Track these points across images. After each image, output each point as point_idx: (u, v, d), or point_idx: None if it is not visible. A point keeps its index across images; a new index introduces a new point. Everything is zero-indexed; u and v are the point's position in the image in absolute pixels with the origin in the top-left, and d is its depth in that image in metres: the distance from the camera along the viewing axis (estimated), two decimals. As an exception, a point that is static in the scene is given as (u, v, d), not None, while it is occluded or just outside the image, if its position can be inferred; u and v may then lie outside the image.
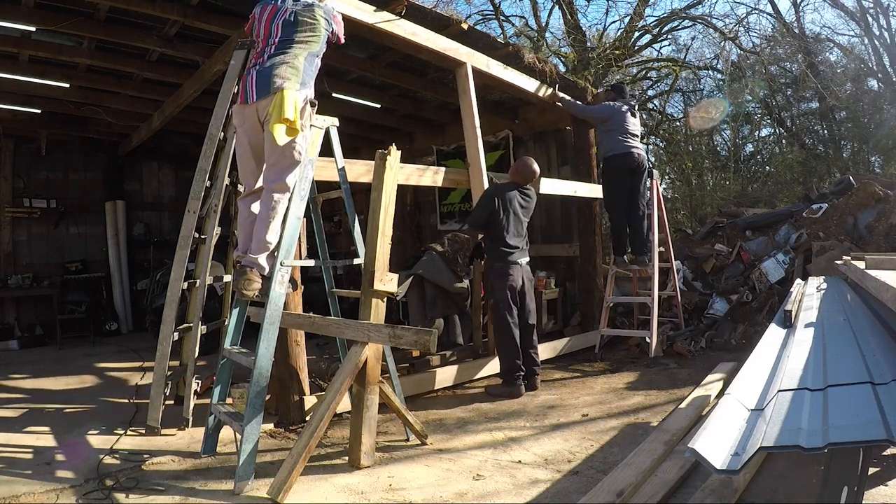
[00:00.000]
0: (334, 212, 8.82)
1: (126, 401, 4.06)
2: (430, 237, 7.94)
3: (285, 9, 2.98)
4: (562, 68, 9.64)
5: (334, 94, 5.87)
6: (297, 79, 2.84)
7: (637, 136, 5.22)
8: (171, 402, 3.79)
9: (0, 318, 6.76)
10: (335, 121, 3.39)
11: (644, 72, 11.94)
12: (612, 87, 5.69)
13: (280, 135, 2.72)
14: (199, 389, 3.78)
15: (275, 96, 2.75)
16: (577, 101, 5.67)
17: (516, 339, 4.13)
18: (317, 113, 3.11)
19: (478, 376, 4.46)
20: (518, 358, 4.11)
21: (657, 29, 11.37)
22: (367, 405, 2.83)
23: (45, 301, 6.85)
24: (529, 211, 4.37)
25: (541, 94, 5.35)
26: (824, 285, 4.03)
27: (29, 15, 4.07)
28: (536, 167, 4.38)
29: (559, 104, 5.53)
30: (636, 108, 5.35)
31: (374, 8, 3.76)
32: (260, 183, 3.05)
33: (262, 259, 2.90)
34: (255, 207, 3.04)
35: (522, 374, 4.13)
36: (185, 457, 2.98)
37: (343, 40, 3.26)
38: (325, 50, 3.08)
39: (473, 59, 4.58)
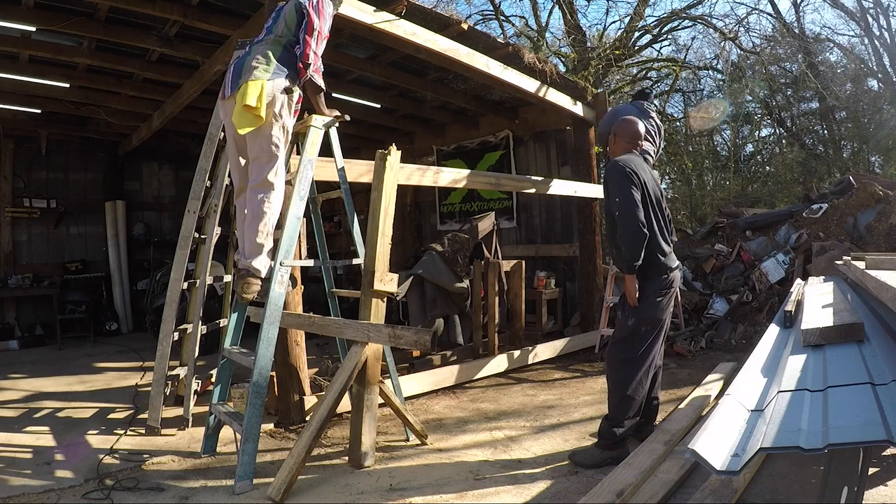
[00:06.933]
0: (334, 212, 8.83)
1: (126, 401, 4.06)
2: (430, 237, 7.94)
3: (274, 8, 3.08)
4: (562, 68, 9.64)
5: (334, 94, 5.87)
6: (268, 68, 2.82)
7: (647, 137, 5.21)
8: (171, 402, 3.80)
9: (0, 318, 6.76)
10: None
11: (644, 72, 11.93)
12: (637, 93, 5.67)
13: (239, 120, 2.71)
14: (199, 389, 3.78)
15: (241, 86, 2.76)
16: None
17: (646, 383, 2.88)
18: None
19: (478, 376, 4.46)
20: (638, 412, 2.88)
21: (657, 29, 11.36)
22: (367, 405, 2.83)
23: (45, 301, 6.85)
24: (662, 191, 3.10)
25: (541, 94, 5.35)
26: (824, 285, 4.03)
27: (29, 15, 4.08)
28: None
29: None
30: (650, 110, 5.33)
31: (374, 8, 3.76)
32: None
33: (257, 262, 2.87)
34: None
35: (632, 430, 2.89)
36: (185, 457, 2.98)
37: (309, 70, 2.92)
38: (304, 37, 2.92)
39: (473, 59, 4.58)
